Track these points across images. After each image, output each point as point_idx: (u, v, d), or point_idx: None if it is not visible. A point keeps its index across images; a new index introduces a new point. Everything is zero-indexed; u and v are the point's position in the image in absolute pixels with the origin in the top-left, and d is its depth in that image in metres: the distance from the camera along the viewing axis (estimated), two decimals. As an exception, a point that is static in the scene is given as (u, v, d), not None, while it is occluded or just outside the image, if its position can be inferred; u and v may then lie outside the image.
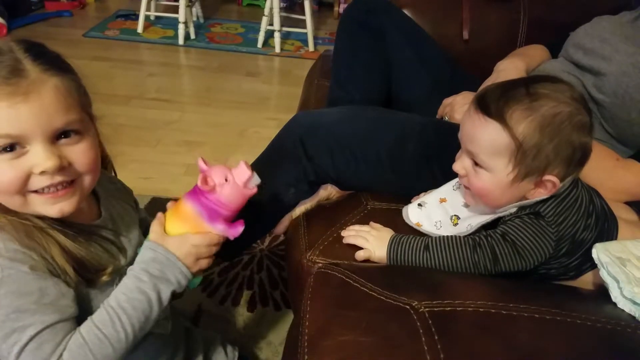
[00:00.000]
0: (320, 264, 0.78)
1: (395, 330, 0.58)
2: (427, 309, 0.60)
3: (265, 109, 2.35)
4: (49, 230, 0.59)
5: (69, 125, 0.58)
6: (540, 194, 0.70)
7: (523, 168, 0.67)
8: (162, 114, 2.18)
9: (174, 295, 0.66)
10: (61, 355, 0.56)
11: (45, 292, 0.56)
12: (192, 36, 3.03)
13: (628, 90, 0.91)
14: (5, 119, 0.53)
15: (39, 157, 0.55)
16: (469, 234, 0.76)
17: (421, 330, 0.57)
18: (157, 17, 3.18)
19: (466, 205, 0.80)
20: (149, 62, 2.76)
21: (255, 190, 0.68)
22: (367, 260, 0.78)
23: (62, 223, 0.61)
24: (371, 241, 0.78)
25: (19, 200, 0.58)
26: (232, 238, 0.69)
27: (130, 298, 0.61)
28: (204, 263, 0.69)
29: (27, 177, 0.56)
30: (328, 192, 0.97)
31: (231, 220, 0.69)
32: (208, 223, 0.67)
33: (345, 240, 0.81)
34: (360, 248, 0.78)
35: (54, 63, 0.58)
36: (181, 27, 2.89)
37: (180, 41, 2.92)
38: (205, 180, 0.65)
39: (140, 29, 3.00)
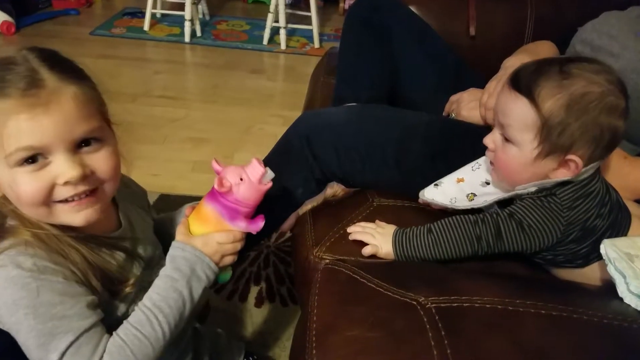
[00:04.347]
0: (327, 260, 0.78)
1: (402, 325, 0.58)
2: (434, 305, 0.60)
3: (270, 106, 2.35)
4: (73, 243, 0.60)
5: (89, 133, 0.58)
6: (563, 174, 0.70)
7: (547, 145, 0.68)
8: (168, 111, 2.19)
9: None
10: (101, 357, 0.57)
11: (78, 299, 0.57)
12: (198, 33, 3.03)
13: (637, 87, 0.90)
14: (27, 131, 0.53)
15: (62, 167, 0.55)
16: (484, 206, 0.77)
17: (428, 326, 0.57)
18: (163, 15, 3.19)
19: (484, 185, 0.81)
20: (155, 60, 2.77)
21: (270, 184, 0.70)
22: (373, 257, 0.78)
23: (85, 236, 0.62)
24: (377, 237, 0.79)
25: (44, 211, 0.58)
26: (254, 233, 0.72)
27: (165, 297, 0.63)
28: (229, 259, 0.71)
29: (52, 187, 0.56)
30: (334, 189, 0.98)
31: (251, 216, 0.72)
32: (229, 222, 0.70)
33: (351, 237, 0.81)
34: (367, 244, 0.79)
35: (70, 71, 0.58)
36: (187, 24, 2.89)
37: (187, 39, 2.92)
38: (221, 182, 0.67)
39: (146, 27, 3.01)
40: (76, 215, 0.59)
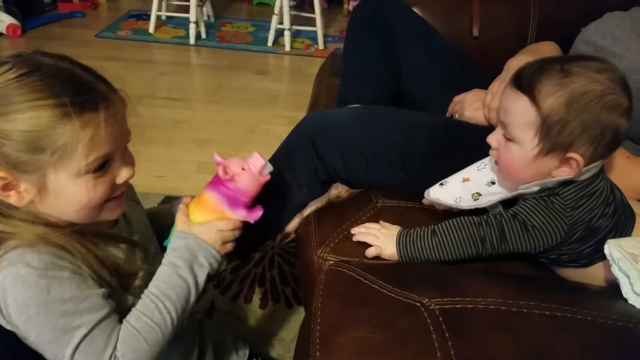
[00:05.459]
0: (331, 262, 0.79)
1: (405, 326, 0.58)
2: (437, 306, 0.60)
3: (275, 106, 2.36)
4: (79, 240, 0.61)
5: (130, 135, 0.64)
6: (565, 172, 0.70)
7: (547, 143, 0.68)
8: (173, 112, 2.20)
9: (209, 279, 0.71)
10: (115, 347, 0.58)
11: (89, 293, 0.59)
12: (203, 35, 3.05)
13: (639, 87, 0.90)
14: (106, 140, 0.58)
15: (120, 168, 0.61)
16: (488, 206, 0.77)
17: (432, 327, 0.57)
18: (168, 17, 3.20)
19: (489, 185, 0.81)
20: (160, 62, 2.78)
21: (269, 177, 0.74)
22: (377, 258, 0.78)
23: (89, 233, 0.63)
24: (381, 238, 0.79)
25: (95, 211, 0.62)
26: (252, 222, 0.75)
27: (171, 284, 0.65)
28: (229, 246, 0.73)
29: (112, 187, 0.61)
30: (338, 190, 0.98)
31: (249, 206, 0.75)
32: (229, 209, 0.72)
33: (355, 238, 0.81)
34: (371, 245, 0.79)
35: (108, 82, 0.62)
36: (192, 26, 2.90)
37: (192, 41, 2.94)
38: (224, 171, 0.71)
39: (151, 29, 3.03)
40: (116, 210, 0.64)
